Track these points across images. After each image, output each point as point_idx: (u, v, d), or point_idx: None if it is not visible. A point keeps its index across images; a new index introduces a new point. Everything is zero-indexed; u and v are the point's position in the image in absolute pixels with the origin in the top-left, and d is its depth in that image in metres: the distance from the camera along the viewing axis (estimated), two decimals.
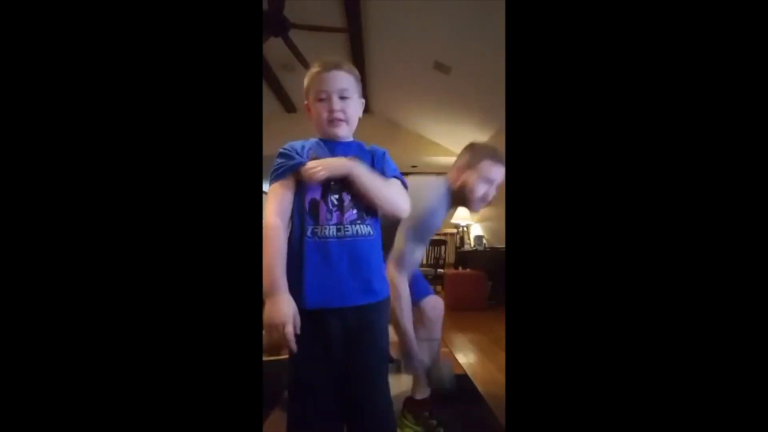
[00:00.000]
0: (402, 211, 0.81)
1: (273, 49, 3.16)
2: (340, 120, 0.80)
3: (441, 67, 3.39)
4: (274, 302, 0.71)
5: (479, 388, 1.63)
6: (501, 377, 1.77)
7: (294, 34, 2.80)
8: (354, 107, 0.82)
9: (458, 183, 1.27)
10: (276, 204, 0.77)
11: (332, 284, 0.76)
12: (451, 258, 4.80)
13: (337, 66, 0.80)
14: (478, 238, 4.60)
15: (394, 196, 0.80)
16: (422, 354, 1.26)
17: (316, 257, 0.75)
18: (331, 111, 0.79)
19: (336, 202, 0.78)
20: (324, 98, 0.79)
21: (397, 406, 1.26)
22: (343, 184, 0.78)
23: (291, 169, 0.77)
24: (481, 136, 4.50)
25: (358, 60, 3.56)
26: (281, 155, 0.80)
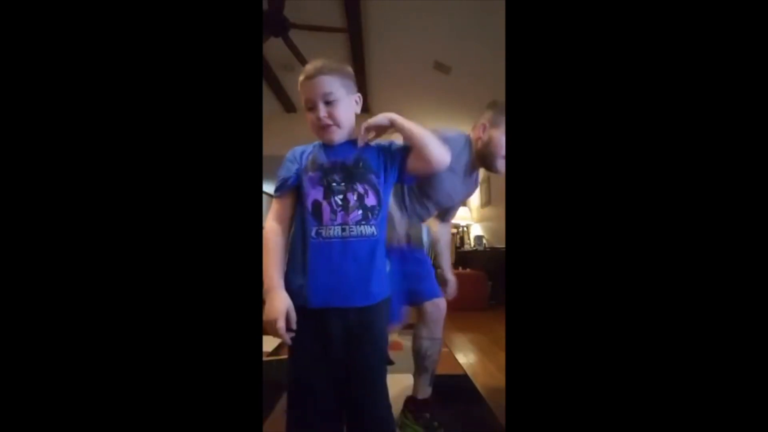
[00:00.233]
0: (444, 157, 0.81)
1: (273, 49, 3.15)
2: (328, 126, 0.80)
3: (441, 67, 3.39)
4: (269, 300, 0.75)
5: (479, 388, 1.63)
6: (501, 377, 1.78)
7: (294, 34, 2.80)
8: (343, 108, 0.80)
9: (483, 140, 1.23)
10: (275, 209, 0.83)
11: (335, 284, 0.76)
12: (451, 258, 4.79)
13: (319, 71, 0.79)
14: (478, 238, 4.60)
15: (438, 142, 0.81)
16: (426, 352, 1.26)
17: (320, 257, 0.77)
18: (318, 119, 0.79)
19: (340, 203, 0.78)
20: (311, 107, 0.80)
21: (398, 406, 1.27)
22: (348, 184, 0.79)
23: (287, 182, 0.83)
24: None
25: (358, 60, 3.56)
26: (285, 162, 0.85)
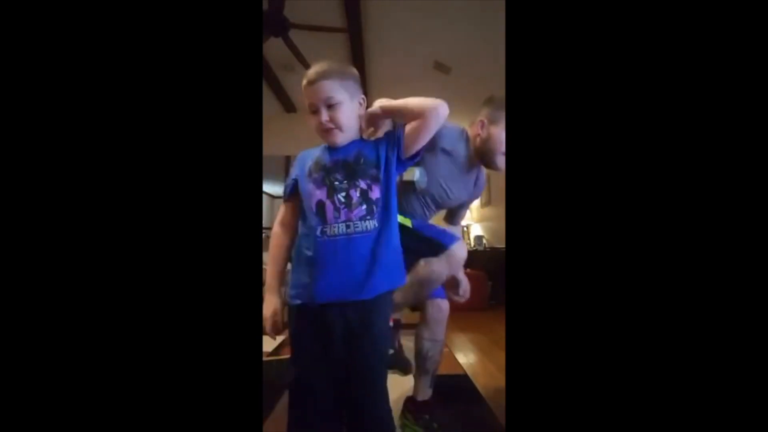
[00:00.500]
0: (433, 103, 0.83)
1: (273, 49, 3.15)
2: (330, 129, 0.81)
3: (441, 67, 3.39)
4: (265, 299, 0.83)
5: (479, 388, 1.63)
6: (501, 377, 1.77)
7: (294, 34, 2.79)
8: (345, 112, 0.81)
9: (482, 137, 1.23)
10: (280, 213, 0.89)
11: (340, 280, 0.77)
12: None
13: (320, 76, 0.80)
14: (478, 238, 4.60)
15: (419, 100, 0.84)
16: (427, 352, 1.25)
17: (326, 255, 0.78)
18: (320, 123, 0.81)
19: (343, 200, 0.79)
20: (314, 110, 0.81)
21: (398, 406, 1.26)
22: (350, 181, 0.80)
23: (287, 187, 0.89)
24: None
25: (358, 60, 3.56)
26: (294, 164, 0.91)
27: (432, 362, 1.26)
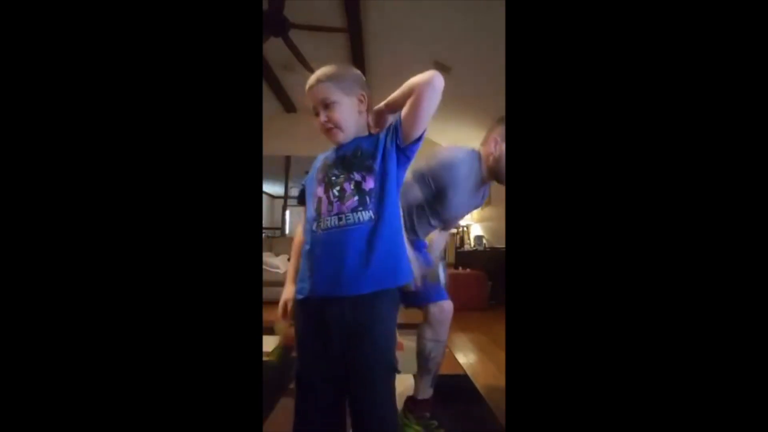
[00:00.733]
0: (424, 78, 0.77)
1: (273, 49, 3.15)
2: (330, 128, 0.84)
3: (441, 67, 3.39)
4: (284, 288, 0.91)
5: (479, 388, 1.63)
6: (501, 377, 1.78)
7: (294, 34, 2.79)
8: (342, 110, 0.83)
9: (493, 157, 1.24)
10: (302, 214, 0.92)
11: (335, 274, 0.76)
12: (451, 258, 4.80)
13: (318, 79, 0.84)
14: (478, 238, 4.60)
15: (412, 79, 0.80)
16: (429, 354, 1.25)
17: (319, 249, 0.79)
18: (320, 123, 0.85)
19: (337, 194, 0.80)
20: (316, 113, 0.85)
21: (399, 405, 1.26)
22: (345, 174, 0.81)
23: (300, 190, 0.94)
24: (481, 136, 4.48)
25: (358, 60, 3.56)
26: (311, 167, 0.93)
27: (434, 363, 1.26)
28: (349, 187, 0.80)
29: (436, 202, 1.23)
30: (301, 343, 0.82)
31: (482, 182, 1.29)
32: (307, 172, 0.95)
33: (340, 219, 0.78)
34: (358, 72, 0.90)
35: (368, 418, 0.76)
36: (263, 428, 1.20)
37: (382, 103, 0.88)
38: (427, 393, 1.28)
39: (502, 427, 1.27)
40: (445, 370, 1.40)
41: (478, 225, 4.88)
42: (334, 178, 0.82)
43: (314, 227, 0.81)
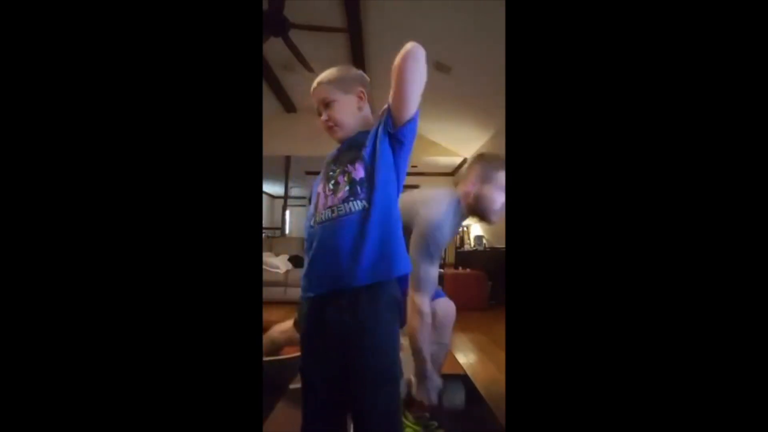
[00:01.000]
0: (402, 53, 0.73)
1: (273, 49, 3.16)
2: (330, 126, 0.86)
3: (441, 67, 3.39)
4: None
5: (479, 388, 1.63)
6: (501, 377, 1.77)
7: (294, 34, 2.80)
8: (340, 108, 0.85)
9: (472, 196, 1.25)
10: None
11: (329, 268, 0.75)
12: (451, 258, 4.80)
13: (318, 82, 0.88)
14: (478, 238, 4.60)
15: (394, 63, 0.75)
16: (432, 363, 1.25)
17: (315, 243, 0.79)
18: (322, 122, 0.87)
19: (332, 187, 0.80)
20: (319, 113, 0.88)
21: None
22: (340, 168, 0.81)
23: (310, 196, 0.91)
24: (481, 136, 4.49)
25: (358, 60, 3.56)
26: None
27: (436, 365, 1.26)
28: (342, 179, 0.80)
29: (419, 244, 1.21)
30: (303, 341, 0.81)
31: (461, 221, 1.31)
32: (307, 173, 0.96)
33: (333, 211, 0.78)
34: (359, 72, 0.91)
35: (369, 419, 0.73)
36: (263, 428, 1.20)
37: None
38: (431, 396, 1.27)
39: (502, 427, 1.27)
40: (445, 370, 1.40)
41: (478, 225, 4.88)
42: (331, 173, 0.83)
43: (311, 223, 0.82)
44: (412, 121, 0.78)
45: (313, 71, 3.17)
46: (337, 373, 0.75)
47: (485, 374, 1.83)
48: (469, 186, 1.26)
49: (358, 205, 0.77)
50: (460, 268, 4.23)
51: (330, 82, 0.86)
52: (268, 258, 3.95)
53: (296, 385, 1.56)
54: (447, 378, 1.29)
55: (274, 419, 1.30)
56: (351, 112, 0.86)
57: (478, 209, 1.25)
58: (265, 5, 2.51)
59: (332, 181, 0.81)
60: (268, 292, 3.67)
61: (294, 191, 6.77)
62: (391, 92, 0.76)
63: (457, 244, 4.84)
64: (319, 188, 0.84)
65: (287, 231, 6.36)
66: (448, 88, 3.68)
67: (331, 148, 0.90)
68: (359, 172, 0.79)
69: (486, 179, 1.24)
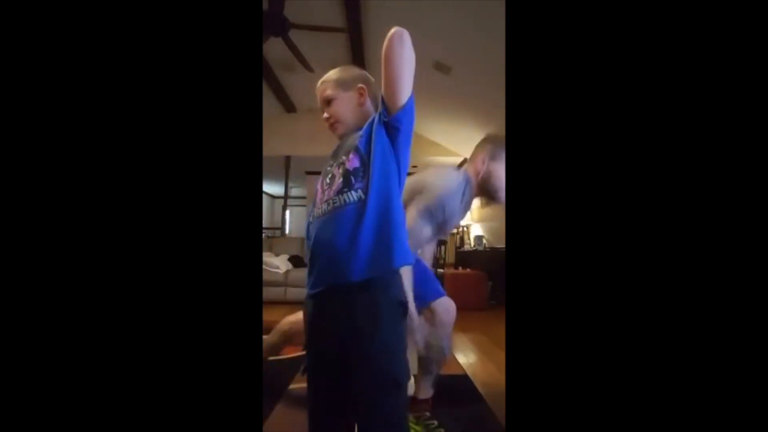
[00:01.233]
0: (386, 39, 0.72)
1: (273, 49, 3.16)
2: (332, 123, 0.88)
3: (441, 67, 3.39)
4: None
5: (479, 388, 1.63)
6: (501, 377, 1.77)
7: (294, 34, 2.80)
8: (339, 104, 0.87)
9: (482, 174, 1.26)
10: None
11: (326, 261, 0.74)
12: (451, 258, 4.80)
13: (322, 81, 0.90)
14: (478, 238, 4.60)
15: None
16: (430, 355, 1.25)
17: (313, 238, 0.78)
18: (324, 120, 0.89)
19: (329, 181, 0.80)
20: (322, 111, 0.90)
21: None
22: (336, 161, 0.81)
23: None
24: (481, 136, 4.48)
25: (358, 60, 3.56)
26: None
27: (437, 364, 1.26)
28: (337, 171, 0.79)
29: (438, 229, 1.24)
30: (307, 343, 0.81)
31: (471, 199, 1.31)
32: (307, 173, 0.96)
33: (328, 204, 0.77)
34: (362, 71, 0.91)
35: (372, 420, 0.70)
36: (263, 428, 1.20)
37: None
38: (427, 393, 1.28)
39: (502, 427, 1.27)
40: (445, 370, 1.40)
41: (478, 225, 4.89)
42: (328, 167, 0.83)
43: (310, 219, 0.82)
44: (407, 106, 0.76)
45: (313, 71, 3.17)
46: (340, 376, 0.73)
47: (485, 374, 1.83)
48: (478, 165, 1.27)
49: (353, 196, 0.74)
50: (460, 268, 4.23)
51: (331, 81, 0.88)
52: (268, 258, 3.95)
53: (296, 385, 1.57)
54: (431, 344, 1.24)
55: (274, 420, 1.30)
56: (351, 109, 0.87)
57: (486, 188, 1.26)
58: (265, 5, 2.51)
59: (329, 175, 0.81)
60: (268, 292, 3.67)
61: (294, 191, 6.76)
62: (382, 80, 0.75)
63: (457, 244, 4.84)
64: (318, 184, 0.84)
65: (287, 231, 6.36)
66: (448, 88, 3.68)
67: (331, 148, 0.91)
68: (353, 162, 0.77)
69: (494, 158, 1.24)
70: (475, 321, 3.05)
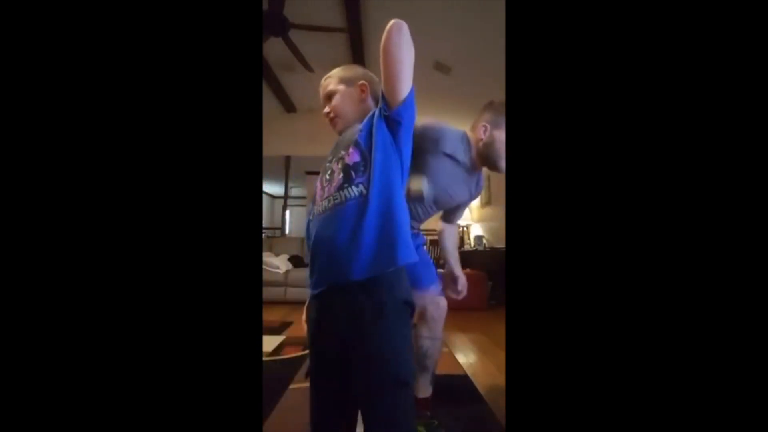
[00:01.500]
0: (385, 32, 0.74)
1: (273, 49, 3.16)
2: (332, 117, 0.89)
3: (441, 67, 3.40)
4: None
5: (479, 388, 1.63)
6: (501, 377, 1.77)
7: (294, 34, 2.80)
8: (340, 99, 0.88)
9: (485, 141, 1.23)
10: None
11: (327, 259, 0.73)
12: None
13: (325, 78, 0.92)
14: (478, 238, 4.60)
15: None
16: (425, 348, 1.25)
17: (313, 236, 0.78)
18: (325, 114, 0.90)
19: (328, 178, 0.79)
20: (324, 107, 0.91)
21: None
22: (335, 157, 0.81)
23: None
24: None
25: (358, 60, 3.56)
26: None
27: (431, 360, 1.26)
28: (337, 166, 0.78)
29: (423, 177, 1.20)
30: (310, 339, 0.80)
31: (473, 167, 1.29)
32: (307, 173, 0.96)
33: (329, 201, 0.75)
34: (365, 70, 0.92)
35: (375, 422, 0.68)
36: (263, 428, 1.20)
37: None
38: (426, 391, 1.28)
39: (502, 427, 1.27)
40: (445, 370, 1.41)
41: (478, 225, 4.89)
42: (328, 164, 0.82)
43: (310, 217, 0.82)
44: (408, 100, 0.75)
45: (313, 71, 3.17)
46: (342, 378, 0.72)
47: (485, 374, 1.83)
48: (479, 132, 1.25)
49: (354, 191, 0.73)
50: None
51: (335, 76, 0.90)
52: (268, 258, 3.95)
53: (296, 385, 1.57)
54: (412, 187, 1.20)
55: (274, 419, 1.30)
56: (351, 104, 0.87)
57: (488, 156, 1.24)
58: (265, 5, 2.51)
59: (328, 172, 0.80)
60: (268, 292, 3.67)
61: (294, 191, 6.77)
62: (382, 74, 0.75)
63: (457, 244, 4.84)
64: (318, 182, 0.83)
65: (287, 231, 6.35)
66: (448, 88, 3.68)
67: (331, 147, 0.91)
68: (353, 157, 0.75)
69: (495, 125, 1.22)
70: (475, 321, 3.05)
